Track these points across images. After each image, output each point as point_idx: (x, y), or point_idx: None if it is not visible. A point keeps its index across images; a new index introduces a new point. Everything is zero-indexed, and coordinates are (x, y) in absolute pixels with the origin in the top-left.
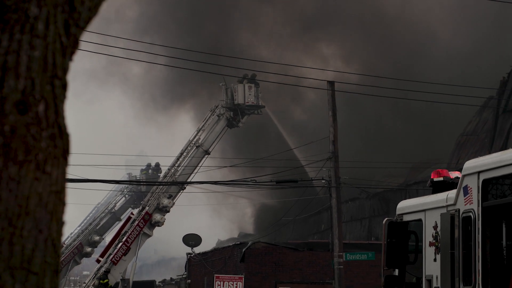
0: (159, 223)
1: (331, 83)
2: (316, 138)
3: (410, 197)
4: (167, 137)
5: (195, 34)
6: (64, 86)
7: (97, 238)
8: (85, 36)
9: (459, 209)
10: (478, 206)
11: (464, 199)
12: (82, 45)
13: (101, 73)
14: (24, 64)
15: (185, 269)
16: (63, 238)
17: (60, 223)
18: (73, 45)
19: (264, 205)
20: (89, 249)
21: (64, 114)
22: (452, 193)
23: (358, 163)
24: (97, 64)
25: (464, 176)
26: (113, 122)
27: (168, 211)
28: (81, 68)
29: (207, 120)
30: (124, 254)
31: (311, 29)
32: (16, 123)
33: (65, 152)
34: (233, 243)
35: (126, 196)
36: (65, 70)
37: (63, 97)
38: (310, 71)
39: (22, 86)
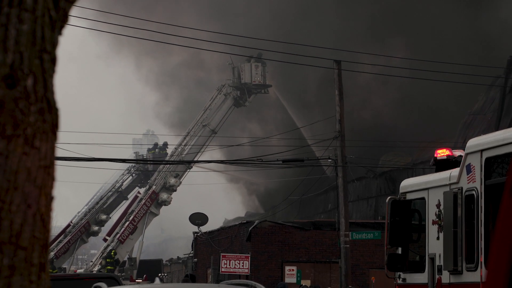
0: (166, 202)
1: (337, 62)
2: (323, 116)
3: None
4: (174, 116)
5: (202, 13)
6: (53, 60)
7: (104, 217)
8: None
9: (462, 187)
10: (481, 184)
11: (467, 177)
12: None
13: (109, 52)
14: (13, 37)
15: (192, 248)
16: (71, 218)
17: (49, 198)
18: (62, 19)
19: (270, 185)
20: (96, 228)
21: (53, 88)
22: (455, 171)
23: (365, 142)
24: (107, 42)
25: (467, 154)
26: (120, 101)
27: (175, 190)
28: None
29: (214, 99)
30: (131, 233)
31: (319, 6)
32: (4, 97)
33: (54, 126)
34: (240, 222)
35: (133, 175)
36: (54, 44)
37: (52, 71)
38: (317, 50)
39: (10, 60)
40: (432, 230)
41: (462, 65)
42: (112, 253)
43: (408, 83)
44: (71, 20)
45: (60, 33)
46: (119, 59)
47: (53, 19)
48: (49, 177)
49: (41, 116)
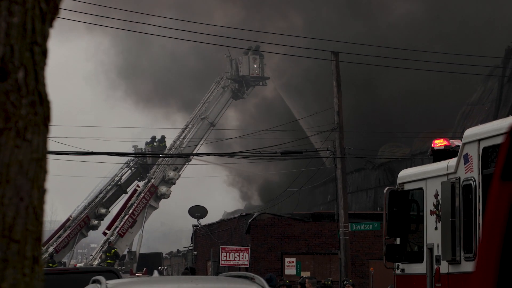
0: (165, 195)
1: (335, 54)
2: (322, 108)
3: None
4: (171, 109)
5: (199, 8)
6: (44, 53)
7: (103, 211)
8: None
9: (459, 177)
10: (479, 174)
11: (465, 167)
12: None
13: (109, 49)
14: (3, 30)
15: (191, 241)
16: (70, 212)
17: (42, 191)
18: (53, 11)
19: (269, 177)
20: (95, 222)
21: (44, 81)
22: (452, 161)
23: (364, 134)
24: (104, 38)
25: (464, 144)
26: (118, 94)
27: (174, 183)
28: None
29: (212, 92)
30: (131, 226)
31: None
32: None
33: (46, 119)
34: (239, 215)
35: (132, 168)
36: (45, 36)
37: (43, 64)
38: (315, 42)
39: (1, 53)
40: (430, 220)
41: (460, 55)
42: (112, 252)
43: (405, 73)
44: (63, 13)
45: (51, 25)
46: (117, 53)
47: (43, 11)
48: (41, 170)
49: (33, 108)
